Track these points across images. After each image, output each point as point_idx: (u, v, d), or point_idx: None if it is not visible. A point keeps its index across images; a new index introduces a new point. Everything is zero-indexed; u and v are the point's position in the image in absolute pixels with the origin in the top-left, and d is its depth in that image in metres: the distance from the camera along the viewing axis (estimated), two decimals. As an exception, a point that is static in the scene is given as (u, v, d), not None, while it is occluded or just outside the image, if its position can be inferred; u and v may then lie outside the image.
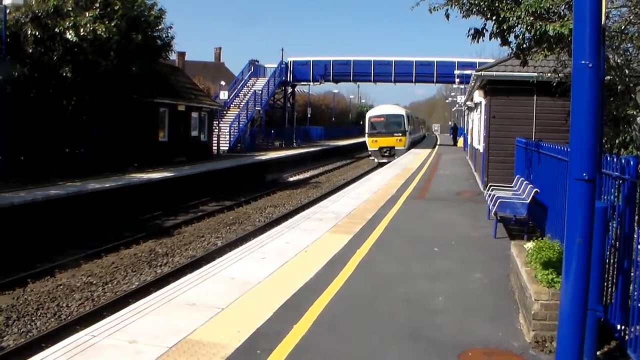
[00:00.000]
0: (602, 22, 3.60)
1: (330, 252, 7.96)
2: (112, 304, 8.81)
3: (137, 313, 5.38)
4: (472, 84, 19.26)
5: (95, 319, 6.62)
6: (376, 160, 35.91)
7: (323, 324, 5.25)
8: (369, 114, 38.36)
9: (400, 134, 35.80)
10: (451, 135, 50.66)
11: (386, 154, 35.23)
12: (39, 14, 17.68)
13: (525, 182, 10.24)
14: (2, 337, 7.80)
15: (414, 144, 43.27)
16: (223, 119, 36.43)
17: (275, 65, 43.30)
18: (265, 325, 5.15)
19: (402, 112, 37.98)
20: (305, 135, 51.38)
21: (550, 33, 6.74)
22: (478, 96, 18.02)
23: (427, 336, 4.99)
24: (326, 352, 4.64)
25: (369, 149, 36.85)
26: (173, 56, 28.66)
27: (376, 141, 35.87)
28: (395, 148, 35.32)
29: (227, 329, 5.03)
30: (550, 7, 6.90)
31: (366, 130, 37.06)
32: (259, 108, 39.83)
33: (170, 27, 22.09)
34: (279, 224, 11.67)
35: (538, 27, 6.85)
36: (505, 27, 7.16)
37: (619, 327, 4.43)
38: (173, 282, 6.88)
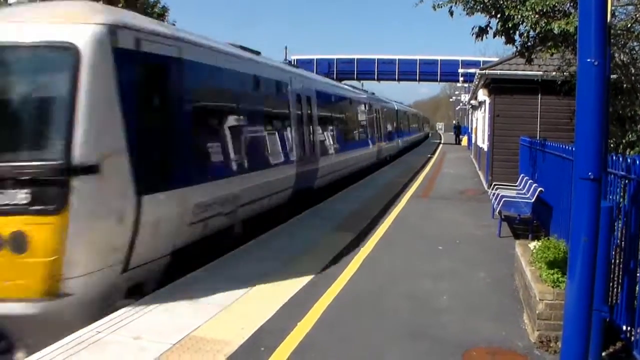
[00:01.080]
0: (608, 20, 3.58)
1: (334, 250, 7.97)
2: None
3: (141, 309, 5.40)
4: (476, 82, 19.21)
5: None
6: None
7: (327, 322, 5.25)
8: None
9: None
10: (454, 134, 50.66)
11: None
12: (44, 12, 17.72)
13: (530, 181, 10.20)
14: (7, 334, 7.84)
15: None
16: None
17: (279, 64, 43.25)
18: (269, 322, 5.16)
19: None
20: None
21: (556, 31, 6.72)
22: (482, 95, 17.97)
23: (431, 334, 4.98)
24: (330, 349, 4.64)
25: None
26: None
27: None
28: None
29: (230, 325, 5.04)
30: (556, 4, 6.88)
31: None
32: (262, 106, 39.74)
33: (174, 24, 22.14)
34: (284, 221, 11.64)
35: (543, 25, 6.82)
36: (510, 25, 7.14)
37: (624, 327, 4.40)
38: (178, 279, 6.89)
